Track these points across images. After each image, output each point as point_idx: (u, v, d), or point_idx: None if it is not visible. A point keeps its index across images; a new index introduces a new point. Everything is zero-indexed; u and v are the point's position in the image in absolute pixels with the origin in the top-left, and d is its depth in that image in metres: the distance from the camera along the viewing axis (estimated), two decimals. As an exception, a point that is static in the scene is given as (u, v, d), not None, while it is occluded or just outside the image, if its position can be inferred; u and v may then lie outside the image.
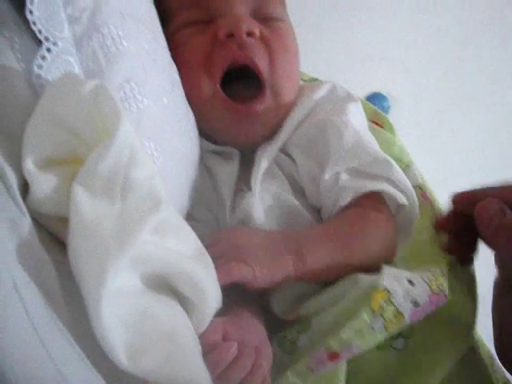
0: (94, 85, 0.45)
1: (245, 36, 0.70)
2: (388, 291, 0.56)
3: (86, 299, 0.40)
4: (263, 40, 0.72)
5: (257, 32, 0.71)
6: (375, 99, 1.79)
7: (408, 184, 0.69)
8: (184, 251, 0.49)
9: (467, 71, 1.76)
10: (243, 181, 0.72)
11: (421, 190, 0.80)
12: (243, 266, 0.59)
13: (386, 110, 1.80)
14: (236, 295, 0.60)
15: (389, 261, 0.66)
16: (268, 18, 0.75)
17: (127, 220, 0.43)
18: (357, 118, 0.75)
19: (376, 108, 0.91)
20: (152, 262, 0.45)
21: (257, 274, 0.59)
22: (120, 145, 0.44)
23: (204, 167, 0.75)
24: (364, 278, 0.60)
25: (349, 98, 0.77)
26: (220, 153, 0.76)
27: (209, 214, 0.73)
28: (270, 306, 0.66)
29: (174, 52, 0.70)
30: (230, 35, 0.70)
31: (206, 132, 0.75)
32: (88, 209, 0.42)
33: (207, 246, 0.52)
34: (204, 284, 0.48)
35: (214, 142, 0.76)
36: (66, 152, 0.45)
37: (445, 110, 1.77)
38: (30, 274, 0.39)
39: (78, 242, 0.41)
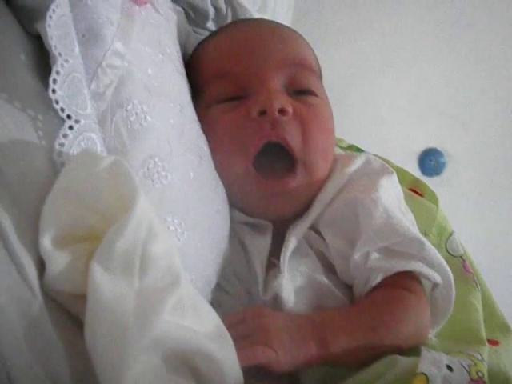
0: (111, 161, 0.45)
1: (277, 114, 0.69)
2: (427, 377, 0.55)
3: (104, 381, 0.39)
4: (297, 117, 0.71)
5: (289, 109, 0.70)
6: (431, 154, 1.77)
7: (442, 262, 0.68)
8: (203, 330, 0.48)
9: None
10: (276, 255, 0.71)
11: (463, 260, 0.78)
12: (267, 350, 0.58)
13: (441, 165, 1.77)
14: (261, 370, 0.59)
15: (421, 341, 0.65)
16: (302, 92, 0.75)
17: (147, 299, 0.43)
18: (390, 192, 0.73)
19: (416, 176, 0.90)
20: (171, 342, 0.44)
21: (280, 358, 0.58)
22: (137, 221, 0.44)
23: (236, 239, 0.73)
24: (402, 361, 0.59)
25: (383, 171, 0.76)
26: (253, 225, 0.75)
27: (240, 287, 0.72)
28: None
29: (206, 127, 0.70)
30: (263, 112, 0.70)
31: (238, 204, 0.74)
32: (107, 288, 0.42)
33: (233, 324, 0.52)
34: (223, 364, 0.47)
35: (247, 214, 0.75)
36: (83, 228, 0.45)
37: (503, 170, 1.71)
38: (35, 358, 0.38)
39: (96, 322, 0.41)
